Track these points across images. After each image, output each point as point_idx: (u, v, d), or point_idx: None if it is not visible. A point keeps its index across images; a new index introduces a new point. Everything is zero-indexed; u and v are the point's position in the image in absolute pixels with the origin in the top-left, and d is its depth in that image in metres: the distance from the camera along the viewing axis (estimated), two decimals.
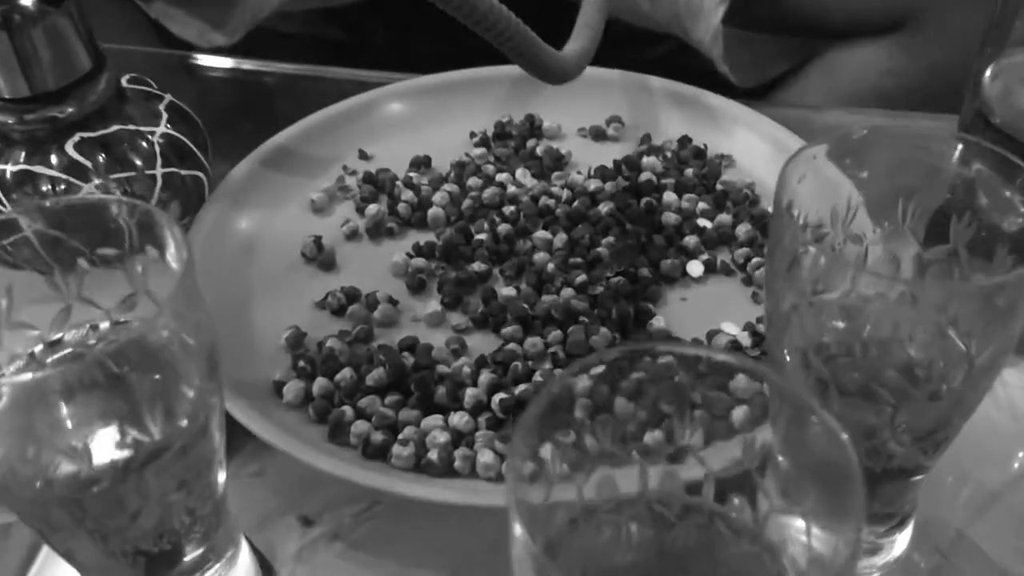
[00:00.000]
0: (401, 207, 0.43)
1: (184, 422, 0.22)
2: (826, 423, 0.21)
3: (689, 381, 0.34)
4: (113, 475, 0.21)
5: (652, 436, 0.33)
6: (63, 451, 0.20)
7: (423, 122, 0.49)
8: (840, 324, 0.28)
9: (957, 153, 0.26)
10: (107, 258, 0.25)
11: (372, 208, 0.43)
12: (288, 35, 0.74)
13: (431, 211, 0.43)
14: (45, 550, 0.32)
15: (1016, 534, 0.33)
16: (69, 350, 0.25)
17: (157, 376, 0.22)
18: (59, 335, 0.25)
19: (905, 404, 0.25)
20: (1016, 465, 0.38)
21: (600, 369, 0.21)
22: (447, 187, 0.44)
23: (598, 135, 0.48)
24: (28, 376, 0.19)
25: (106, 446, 0.21)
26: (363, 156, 0.47)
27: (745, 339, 0.36)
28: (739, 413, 0.33)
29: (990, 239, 0.26)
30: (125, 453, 0.21)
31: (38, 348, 0.25)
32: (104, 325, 0.26)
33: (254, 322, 0.38)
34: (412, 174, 0.45)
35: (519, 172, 0.45)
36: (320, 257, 0.41)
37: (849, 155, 0.27)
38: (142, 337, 0.20)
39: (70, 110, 0.37)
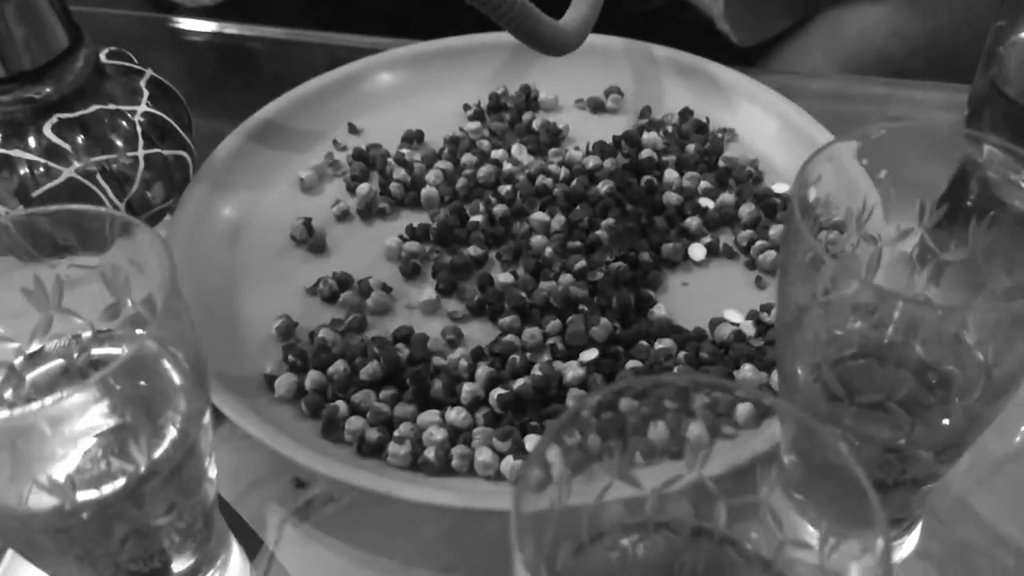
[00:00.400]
0: (393, 186, 0.42)
1: (171, 446, 0.21)
2: (836, 450, 0.20)
3: (693, 384, 0.33)
4: (99, 505, 0.20)
5: (656, 431, 0.32)
6: (44, 485, 0.19)
7: (415, 93, 0.47)
8: (855, 325, 0.27)
9: (980, 153, 0.25)
10: (88, 267, 0.24)
11: (363, 187, 0.42)
12: None
13: (424, 190, 0.41)
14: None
15: (1016, 503, 0.33)
16: (52, 363, 0.24)
17: (142, 397, 0.21)
18: (40, 346, 0.24)
19: (921, 420, 0.24)
20: (1018, 439, 0.38)
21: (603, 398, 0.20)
22: (440, 164, 0.43)
23: (596, 107, 0.46)
24: (17, 412, 0.18)
25: (91, 476, 0.20)
26: (353, 130, 0.45)
27: (749, 328, 0.35)
28: (743, 409, 0.32)
29: (1010, 243, 0.25)
30: (111, 484, 0.20)
31: (18, 360, 0.24)
32: (87, 334, 0.25)
33: (243, 310, 0.37)
34: (404, 150, 0.44)
35: (515, 148, 0.44)
36: (310, 240, 0.40)
37: (867, 155, 0.26)
38: (128, 360, 0.19)
39: (47, 90, 0.36)
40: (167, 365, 0.21)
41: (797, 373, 0.25)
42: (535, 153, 0.44)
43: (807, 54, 0.63)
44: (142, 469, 0.20)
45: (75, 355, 0.24)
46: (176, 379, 0.22)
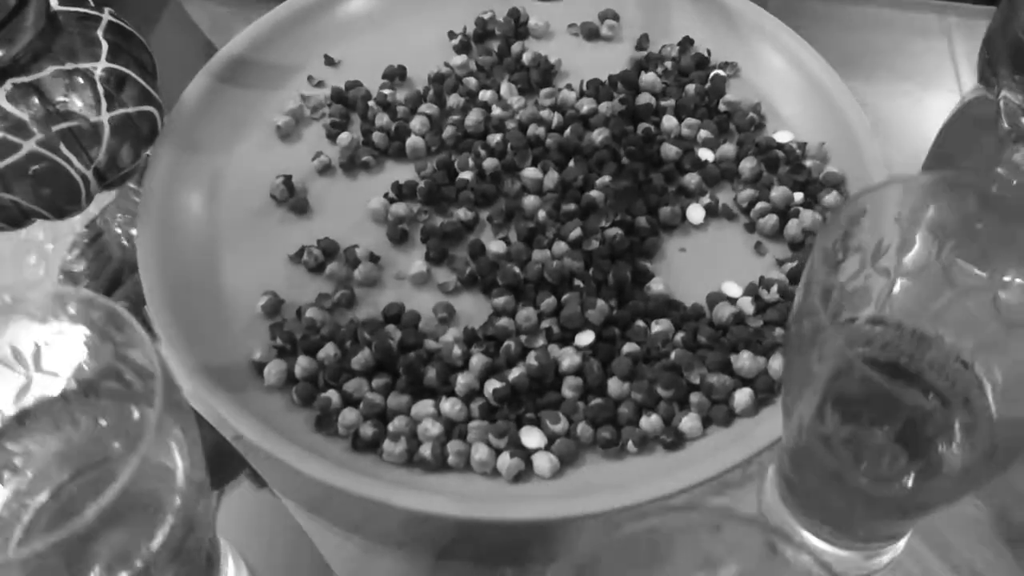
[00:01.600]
0: (376, 136, 0.39)
1: (171, 532, 0.21)
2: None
3: (688, 361, 0.32)
4: None
5: (649, 421, 0.32)
6: None
7: (396, 17, 0.44)
8: (862, 350, 0.27)
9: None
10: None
11: (344, 137, 0.39)
12: None
13: (409, 140, 0.39)
14: None
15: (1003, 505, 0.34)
16: (40, 421, 0.23)
17: (137, 501, 0.20)
18: (24, 407, 0.23)
19: (926, 470, 0.24)
20: None
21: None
22: (425, 108, 0.40)
23: (591, 34, 0.43)
24: (28, 551, 0.17)
25: None
26: (329, 62, 0.42)
27: (748, 306, 0.34)
28: (741, 397, 0.32)
29: None
30: None
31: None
32: (73, 387, 0.24)
33: (225, 284, 0.36)
34: (386, 91, 0.41)
35: (504, 88, 0.41)
36: (291, 200, 0.38)
37: (898, 208, 0.24)
38: (125, 489, 0.18)
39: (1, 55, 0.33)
40: (165, 460, 0.21)
41: (802, 424, 0.25)
42: (525, 92, 0.41)
43: None
44: (142, 565, 0.20)
45: (64, 417, 0.23)
46: (171, 462, 0.21)
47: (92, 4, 0.37)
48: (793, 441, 0.27)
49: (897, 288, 0.26)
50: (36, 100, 0.34)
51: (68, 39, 0.35)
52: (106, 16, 0.36)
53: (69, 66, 0.34)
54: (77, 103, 0.34)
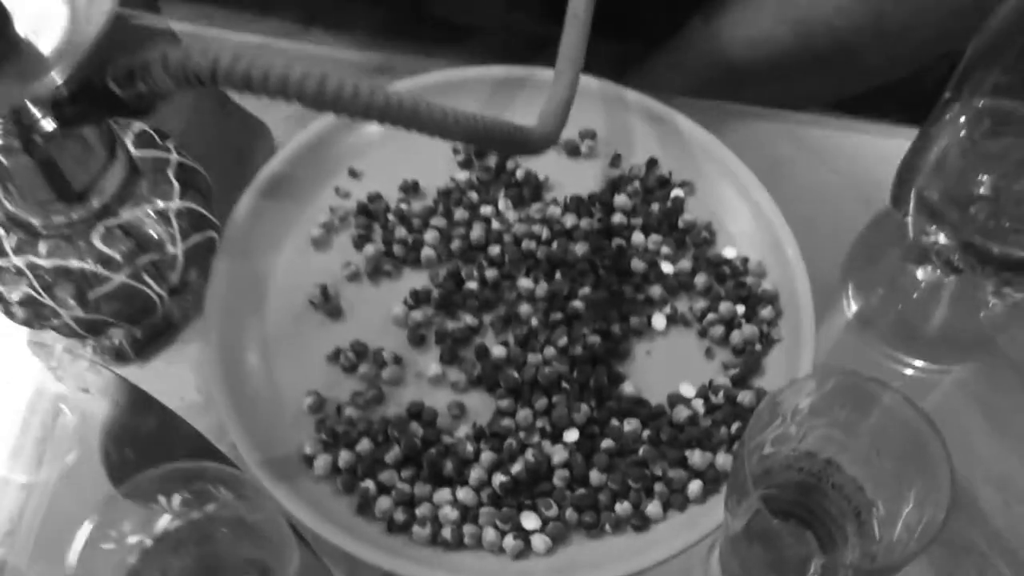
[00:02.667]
0: (396, 248, 0.47)
1: None
2: None
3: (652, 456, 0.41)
4: None
5: (622, 507, 0.41)
6: None
7: (407, 134, 0.51)
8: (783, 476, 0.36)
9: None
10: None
11: (369, 249, 0.47)
12: None
13: (424, 251, 0.47)
14: None
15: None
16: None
17: None
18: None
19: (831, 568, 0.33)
20: None
21: None
22: (436, 221, 0.48)
23: (572, 151, 0.51)
24: None
25: None
26: (353, 174, 0.50)
27: (699, 407, 0.43)
28: (694, 487, 0.41)
29: None
30: None
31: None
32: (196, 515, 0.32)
33: (275, 383, 0.44)
34: (403, 205, 0.49)
35: (501, 203, 0.49)
36: (327, 306, 0.46)
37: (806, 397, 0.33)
38: None
39: (93, 204, 0.40)
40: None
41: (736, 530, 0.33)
42: (519, 205, 0.49)
43: (758, 14, 0.67)
44: None
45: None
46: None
47: (161, 142, 0.44)
48: (731, 532, 0.36)
49: (809, 432, 0.35)
50: (124, 239, 0.41)
51: (147, 182, 0.42)
52: (174, 156, 0.43)
53: (149, 207, 0.42)
54: (157, 239, 0.42)
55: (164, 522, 0.32)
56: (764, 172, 0.49)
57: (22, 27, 0.33)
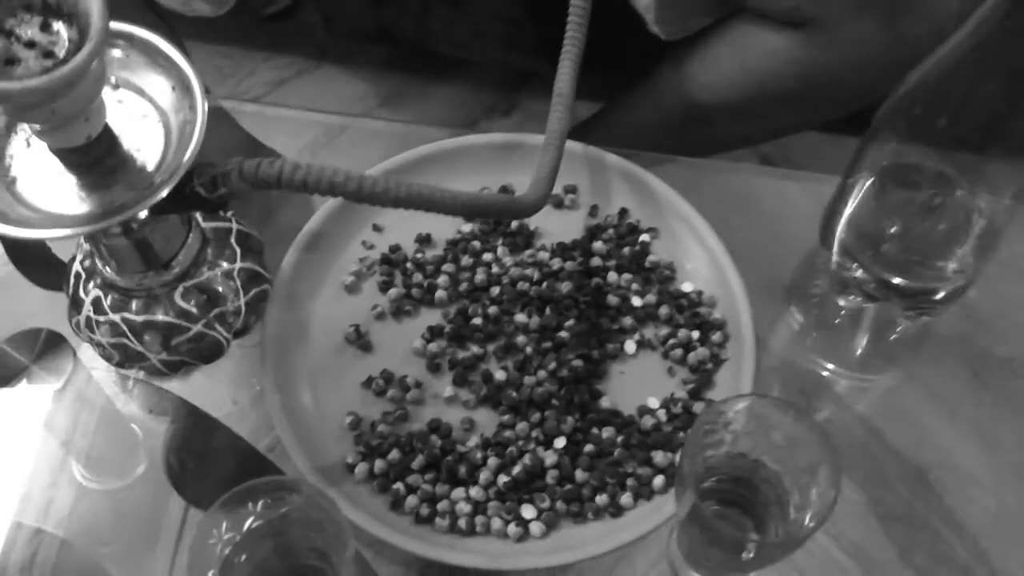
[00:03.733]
0: (414, 291, 0.57)
1: None
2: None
3: (625, 457, 0.52)
4: None
5: (601, 499, 0.51)
6: None
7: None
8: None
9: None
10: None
11: (392, 292, 0.57)
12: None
13: (437, 293, 0.57)
14: None
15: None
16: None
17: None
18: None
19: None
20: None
21: None
22: (446, 267, 0.58)
23: (558, 203, 0.61)
24: None
25: None
26: (376, 229, 0.60)
27: (663, 416, 0.54)
28: (658, 481, 0.51)
29: None
30: None
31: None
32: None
33: (321, 404, 0.54)
34: (419, 255, 0.59)
35: (500, 250, 0.59)
36: (359, 341, 0.56)
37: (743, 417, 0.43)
38: None
39: (175, 270, 0.50)
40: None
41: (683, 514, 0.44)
42: (514, 251, 0.59)
43: (718, 63, 0.77)
44: None
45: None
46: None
47: (223, 215, 0.54)
48: (680, 519, 0.46)
49: (739, 438, 0.45)
50: (198, 296, 0.51)
51: (214, 248, 0.52)
52: (234, 225, 0.54)
53: (218, 269, 0.52)
54: (224, 294, 0.52)
55: (250, 522, 0.42)
56: (716, 217, 0.59)
57: (128, 145, 0.43)
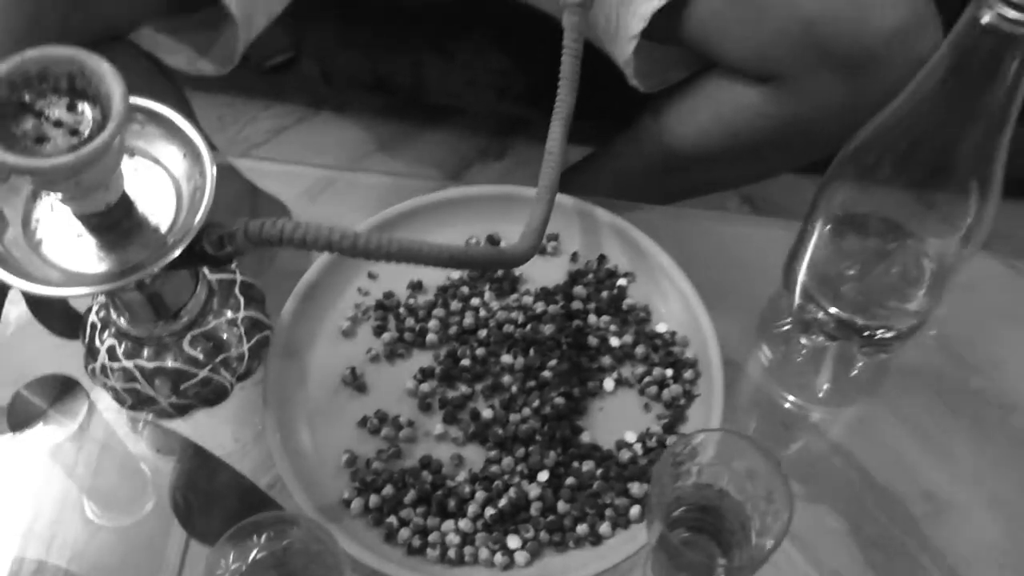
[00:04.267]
0: (407, 335, 0.61)
1: None
2: None
3: (604, 489, 0.55)
4: None
5: (581, 528, 0.55)
6: None
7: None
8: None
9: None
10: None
11: (386, 336, 0.61)
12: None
13: (428, 336, 0.61)
14: None
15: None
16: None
17: None
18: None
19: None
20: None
21: None
22: (437, 311, 0.62)
23: (541, 250, 0.65)
24: None
25: None
26: (371, 276, 0.64)
27: (639, 450, 0.57)
28: (634, 511, 0.55)
29: None
30: None
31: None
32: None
33: (319, 443, 0.58)
34: (411, 300, 0.63)
35: (487, 295, 0.63)
36: (355, 383, 0.60)
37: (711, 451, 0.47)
38: None
39: (184, 319, 0.54)
40: None
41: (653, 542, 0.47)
42: (500, 295, 0.63)
43: (695, 113, 0.82)
44: None
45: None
46: None
47: (228, 267, 0.58)
48: (651, 546, 0.49)
49: (705, 470, 0.49)
50: (205, 343, 0.55)
51: (219, 298, 0.56)
52: (238, 277, 0.58)
53: (223, 318, 0.56)
54: (228, 341, 0.56)
55: (254, 553, 0.46)
56: (689, 261, 0.63)
57: (143, 209, 0.47)
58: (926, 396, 0.63)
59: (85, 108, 0.40)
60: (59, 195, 0.43)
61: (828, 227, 0.57)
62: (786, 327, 0.64)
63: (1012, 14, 0.41)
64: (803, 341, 0.62)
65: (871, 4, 0.67)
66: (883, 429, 0.62)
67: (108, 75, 0.39)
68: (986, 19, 0.42)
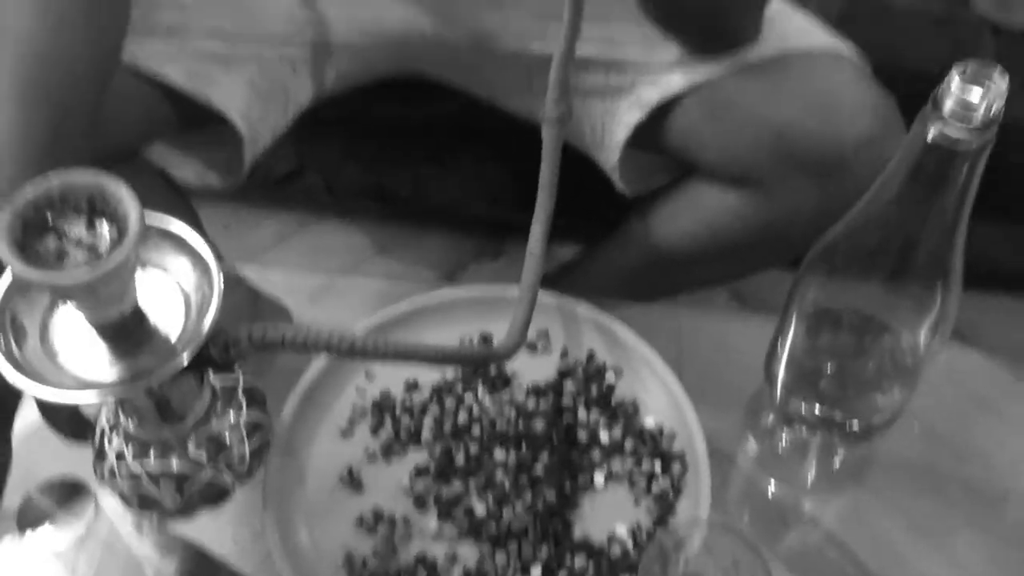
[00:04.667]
0: (402, 433, 0.64)
1: None
2: None
3: None
4: None
5: None
6: None
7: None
8: None
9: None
10: None
11: (382, 435, 0.64)
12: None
13: (423, 435, 0.64)
14: None
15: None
16: None
17: None
18: None
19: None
20: None
21: None
22: (432, 409, 0.65)
23: (531, 348, 0.68)
24: None
25: None
26: (368, 376, 0.67)
27: (630, 544, 0.59)
28: None
29: None
30: None
31: None
32: None
33: (317, 540, 0.59)
34: (407, 399, 0.65)
35: (480, 392, 0.66)
36: (352, 482, 0.62)
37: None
38: None
39: (188, 423, 0.56)
40: None
41: None
42: (493, 392, 0.66)
43: (677, 215, 0.86)
44: None
45: None
46: None
47: (231, 371, 0.61)
48: None
49: (692, 561, 0.50)
50: (208, 445, 0.57)
51: (222, 401, 0.59)
52: (241, 380, 0.60)
53: (226, 421, 0.58)
54: (232, 442, 0.58)
55: None
56: (674, 355, 0.66)
57: (154, 318, 0.50)
58: (916, 485, 0.65)
59: (103, 226, 0.44)
60: (75, 305, 0.46)
61: (804, 323, 0.60)
62: (769, 420, 0.66)
63: (953, 131, 0.45)
64: (787, 433, 0.64)
65: (839, 114, 0.71)
66: (874, 518, 0.64)
67: (125, 197, 0.43)
68: (930, 136, 0.45)
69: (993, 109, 0.44)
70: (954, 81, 0.44)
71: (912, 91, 0.55)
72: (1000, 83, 0.43)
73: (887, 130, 0.71)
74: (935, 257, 0.53)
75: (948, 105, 0.44)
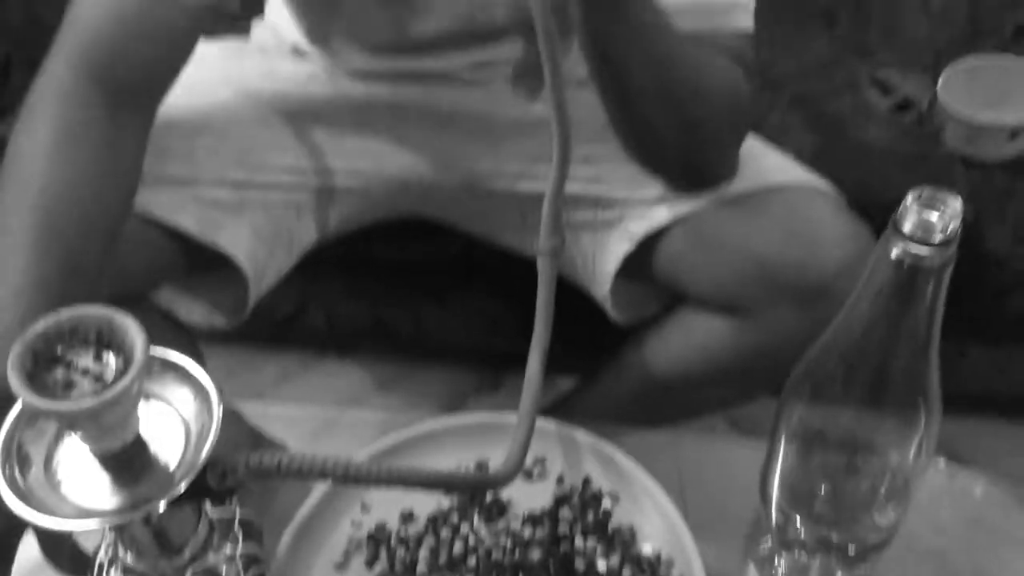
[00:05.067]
0: (398, 565, 0.64)
1: None
2: None
3: None
4: None
5: None
6: None
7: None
8: None
9: None
10: None
11: (377, 568, 0.64)
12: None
13: (419, 567, 0.64)
14: None
15: None
16: None
17: None
18: None
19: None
20: None
21: None
22: (428, 539, 0.65)
23: (527, 475, 0.69)
24: None
25: None
26: (364, 508, 0.67)
27: None
28: None
29: None
30: None
31: None
32: None
33: None
34: (402, 532, 0.66)
35: (476, 523, 0.66)
36: None
37: None
38: None
39: (186, 555, 0.57)
40: None
41: None
42: (490, 521, 0.66)
43: (668, 343, 0.88)
44: None
45: None
46: None
47: (227, 503, 0.61)
48: None
49: None
50: None
51: (219, 533, 0.59)
52: (237, 514, 0.61)
53: (222, 554, 0.58)
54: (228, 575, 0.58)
55: None
56: (671, 481, 0.66)
57: (154, 447, 0.52)
58: None
59: (109, 357, 0.46)
60: (80, 434, 0.48)
61: (793, 445, 0.61)
62: (768, 544, 0.66)
63: (915, 248, 0.47)
64: (785, 558, 0.64)
65: (819, 244, 0.75)
66: None
67: (132, 329, 0.45)
68: (894, 254, 0.48)
69: (950, 228, 0.46)
70: (912, 204, 0.47)
71: (887, 223, 0.59)
72: (954, 204, 0.46)
73: (867, 256, 0.74)
74: (911, 375, 0.54)
75: (908, 226, 0.47)
